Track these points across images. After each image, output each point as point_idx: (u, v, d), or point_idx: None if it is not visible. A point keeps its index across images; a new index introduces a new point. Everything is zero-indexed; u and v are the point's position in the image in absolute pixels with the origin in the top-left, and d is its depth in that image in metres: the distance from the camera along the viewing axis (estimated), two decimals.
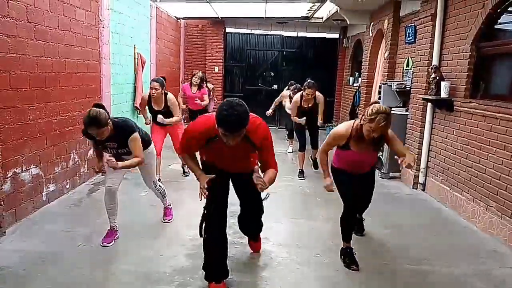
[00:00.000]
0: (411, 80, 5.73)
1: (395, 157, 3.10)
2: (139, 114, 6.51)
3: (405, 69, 6.14)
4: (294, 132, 6.54)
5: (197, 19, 10.30)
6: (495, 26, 4.22)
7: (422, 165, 5.33)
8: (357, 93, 8.41)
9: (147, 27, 7.49)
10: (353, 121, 3.11)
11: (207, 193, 2.64)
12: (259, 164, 2.72)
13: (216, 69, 10.58)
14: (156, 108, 4.96)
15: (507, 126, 3.75)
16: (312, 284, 2.94)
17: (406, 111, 5.89)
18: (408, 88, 5.82)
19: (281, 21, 10.02)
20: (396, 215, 4.46)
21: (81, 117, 3.95)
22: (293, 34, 10.69)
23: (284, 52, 10.74)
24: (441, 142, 4.96)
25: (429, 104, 5.18)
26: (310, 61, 10.65)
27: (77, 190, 4.79)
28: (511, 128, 3.70)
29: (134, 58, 6.66)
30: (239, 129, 2.26)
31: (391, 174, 5.88)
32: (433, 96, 4.86)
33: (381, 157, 5.80)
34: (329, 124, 10.02)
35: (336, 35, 10.68)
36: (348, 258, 3.20)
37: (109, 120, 3.06)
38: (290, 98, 6.67)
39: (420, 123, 5.36)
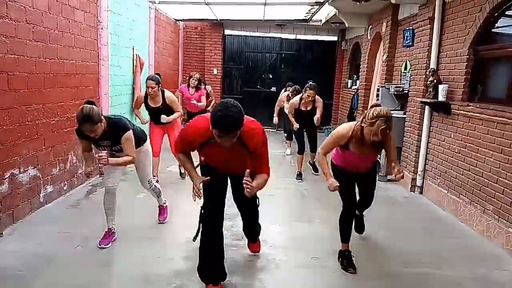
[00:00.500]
0: (409, 83, 5.74)
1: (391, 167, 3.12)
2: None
3: (403, 72, 6.14)
4: (293, 135, 6.51)
5: (196, 21, 10.29)
6: (493, 30, 4.25)
7: (420, 168, 5.34)
8: (355, 96, 8.41)
9: (146, 29, 7.50)
10: (354, 122, 3.11)
11: (201, 194, 2.65)
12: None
13: (215, 71, 10.57)
14: (153, 106, 4.93)
15: (504, 129, 3.77)
16: (309, 287, 2.94)
17: (404, 114, 5.90)
18: (406, 91, 5.83)
19: (279, 23, 10.04)
20: (394, 218, 4.46)
21: None
22: (291, 36, 10.71)
23: (283, 55, 10.76)
24: (439, 145, 4.97)
25: (426, 107, 5.19)
26: (308, 63, 10.67)
27: (74, 192, 4.77)
28: (508, 132, 3.71)
29: (133, 59, 6.66)
30: (233, 130, 2.26)
31: (388, 177, 5.88)
32: (431, 99, 4.88)
33: (379, 160, 5.81)
34: (327, 127, 10.03)
35: (335, 38, 10.71)
36: (346, 260, 3.20)
37: (102, 117, 3.05)
38: (289, 98, 6.62)
39: (417, 126, 5.38)
